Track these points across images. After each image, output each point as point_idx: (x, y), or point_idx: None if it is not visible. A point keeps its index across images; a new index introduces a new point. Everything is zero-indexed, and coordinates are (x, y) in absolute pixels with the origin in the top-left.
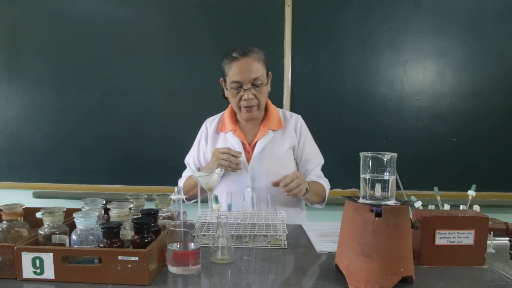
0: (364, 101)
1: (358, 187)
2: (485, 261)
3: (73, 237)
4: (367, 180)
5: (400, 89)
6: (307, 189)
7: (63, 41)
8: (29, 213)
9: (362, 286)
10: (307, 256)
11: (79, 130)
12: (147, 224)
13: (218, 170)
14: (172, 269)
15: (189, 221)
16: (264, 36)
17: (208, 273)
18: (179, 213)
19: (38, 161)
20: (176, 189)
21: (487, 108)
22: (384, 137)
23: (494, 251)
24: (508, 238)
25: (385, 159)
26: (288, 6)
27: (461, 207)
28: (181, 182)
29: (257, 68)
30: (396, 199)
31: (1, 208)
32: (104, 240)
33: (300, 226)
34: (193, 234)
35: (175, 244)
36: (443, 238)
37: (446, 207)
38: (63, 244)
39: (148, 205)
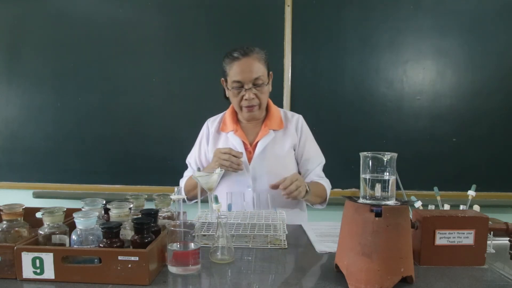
0: (364, 101)
1: (358, 187)
2: (485, 261)
3: (73, 237)
4: (367, 180)
5: (400, 89)
6: (307, 191)
7: (63, 41)
8: (29, 213)
9: (362, 286)
10: (307, 256)
11: (79, 130)
12: (147, 224)
13: (218, 170)
14: (172, 269)
15: (189, 221)
16: (264, 36)
17: (208, 273)
18: (179, 213)
19: (38, 161)
20: (176, 189)
21: (487, 108)
22: (384, 137)
23: (494, 251)
24: (508, 238)
25: (385, 159)
26: (288, 6)
27: (461, 207)
28: (182, 182)
29: (258, 68)
30: (396, 199)
31: (1, 208)
32: (104, 240)
33: (300, 226)
34: (193, 234)
35: (175, 244)
36: (443, 238)
37: (446, 207)
38: (63, 244)
39: (148, 205)
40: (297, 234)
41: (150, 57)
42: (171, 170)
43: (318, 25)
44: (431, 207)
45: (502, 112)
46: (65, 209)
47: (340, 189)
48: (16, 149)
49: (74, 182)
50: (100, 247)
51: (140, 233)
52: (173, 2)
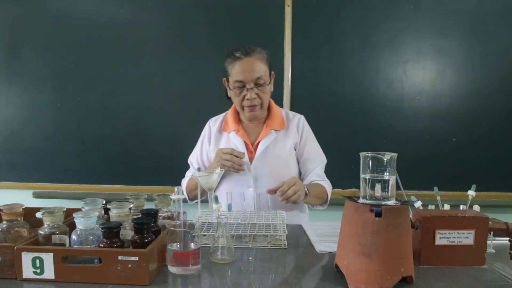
0: (364, 101)
1: (358, 187)
2: (485, 261)
3: (73, 237)
4: (367, 180)
5: (400, 89)
6: (306, 194)
7: (63, 41)
8: (29, 213)
9: (362, 286)
10: (307, 256)
11: (79, 130)
12: (147, 224)
13: (218, 170)
14: (172, 269)
15: (189, 221)
16: (264, 36)
17: (208, 273)
18: (179, 213)
19: (38, 161)
20: (176, 189)
21: (487, 108)
22: (384, 137)
23: (494, 251)
24: (508, 238)
25: (385, 159)
26: (288, 6)
27: (461, 207)
28: (184, 182)
29: (260, 68)
30: (396, 199)
31: (1, 208)
32: (104, 240)
33: (300, 226)
34: (193, 234)
35: (175, 244)
36: (443, 238)
37: (446, 207)
38: (63, 244)
39: (148, 205)
40: (297, 234)
41: (150, 57)
42: (171, 170)
43: (318, 25)
44: (431, 207)
45: (502, 112)
46: (65, 209)
47: (340, 189)
48: (16, 149)
49: (74, 182)
50: (100, 247)
51: (140, 233)
52: (173, 2)
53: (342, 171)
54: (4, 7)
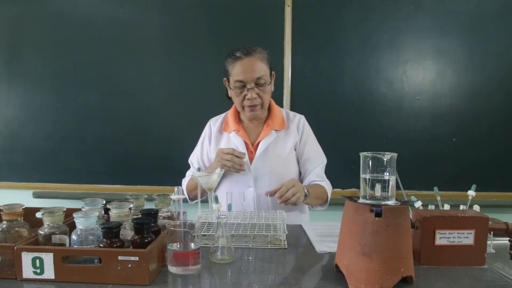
0: (364, 101)
1: (358, 187)
2: (485, 261)
3: (73, 237)
4: (367, 180)
5: (400, 89)
6: (306, 195)
7: (63, 41)
8: (29, 213)
9: (362, 286)
10: (307, 256)
11: (79, 130)
12: (147, 224)
13: (218, 170)
14: (172, 269)
15: (189, 221)
16: (264, 36)
17: (208, 273)
18: (179, 213)
19: (38, 161)
20: (176, 189)
21: (487, 108)
22: (384, 137)
23: (494, 251)
24: (508, 238)
25: (385, 159)
26: (288, 6)
27: (461, 207)
28: (184, 181)
29: (260, 67)
30: (396, 199)
31: (1, 208)
32: (104, 240)
33: (300, 226)
34: (193, 234)
35: (175, 244)
36: (443, 238)
37: (446, 207)
38: (63, 244)
39: (148, 205)
40: (297, 234)
41: (150, 57)
42: (171, 170)
43: (318, 25)
44: (431, 207)
45: (502, 112)
46: (65, 209)
47: (340, 189)
48: (16, 149)
49: (74, 182)
50: (100, 247)
51: (140, 233)
52: (173, 2)
53: (342, 171)
54: (4, 7)
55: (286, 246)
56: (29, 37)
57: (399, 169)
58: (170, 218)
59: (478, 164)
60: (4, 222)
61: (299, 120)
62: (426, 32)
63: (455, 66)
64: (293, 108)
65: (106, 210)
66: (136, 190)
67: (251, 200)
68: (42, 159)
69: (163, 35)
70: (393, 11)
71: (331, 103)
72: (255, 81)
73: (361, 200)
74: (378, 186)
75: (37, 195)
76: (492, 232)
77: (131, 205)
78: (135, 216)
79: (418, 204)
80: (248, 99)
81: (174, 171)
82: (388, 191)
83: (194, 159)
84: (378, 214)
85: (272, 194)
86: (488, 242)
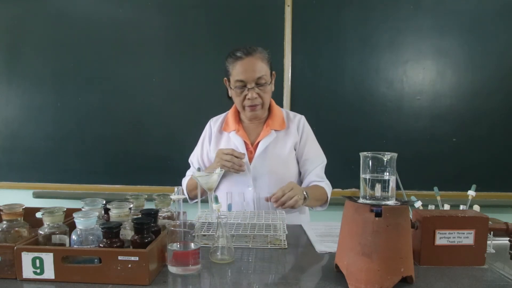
0: (364, 101)
1: (358, 187)
2: (485, 261)
3: (73, 237)
4: (367, 180)
5: (400, 89)
6: (305, 198)
7: (63, 41)
8: (29, 213)
9: (362, 286)
10: (307, 256)
11: (79, 130)
12: (147, 224)
13: (218, 170)
14: (172, 269)
15: (189, 221)
16: (264, 36)
17: (208, 273)
18: (179, 213)
19: (38, 161)
20: (176, 189)
21: (487, 108)
22: (384, 137)
23: (494, 251)
24: (508, 238)
25: (385, 159)
26: (288, 6)
27: (461, 207)
28: (184, 181)
29: (261, 67)
30: (396, 199)
31: (1, 208)
32: (104, 240)
33: (300, 226)
34: (193, 234)
35: (175, 244)
36: (443, 238)
37: (446, 207)
38: (63, 244)
39: (148, 205)
40: (297, 234)
41: (150, 57)
42: (171, 170)
43: (318, 25)
44: (431, 207)
45: (502, 112)
46: (65, 209)
47: (340, 189)
48: (16, 149)
49: (74, 182)
50: (100, 247)
51: (140, 233)
52: (173, 2)
53: (342, 171)
54: (4, 7)
55: (286, 246)
56: (29, 37)
57: (399, 169)
58: (170, 218)
59: (478, 164)
60: (4, 222)
61: (299, 120)
62: (426, 32)
63: (455, 66)
64: (293, 108)
65: (106, 210)
66: (136, 190)
67: (251, 200)
68: (42, 159)
69: (163, 35)
70: (393, 11)
71: (331, 103)
72: (255, 81)
73: (361, 200)
74: (378, 186)
75: (37, 195)
76: (492, 232)
77: (131, 205)
78: (135, 216)
79: (418, 204)
80: (248, 99)
81: (174, 171)
82: (388, 191)
83: (194, 159)
84: (378, 214)
85: (269, 200)
86: (488, 242)
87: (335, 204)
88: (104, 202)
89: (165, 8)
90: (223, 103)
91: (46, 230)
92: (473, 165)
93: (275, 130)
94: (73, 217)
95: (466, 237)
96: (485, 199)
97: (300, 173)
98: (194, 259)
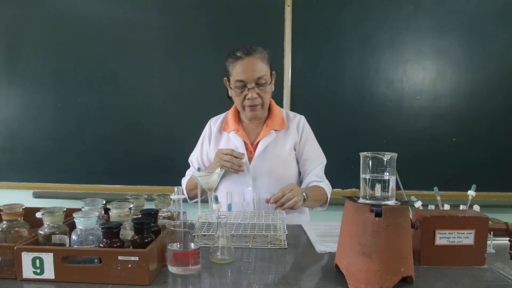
0: (364, 101)
1: (358, 187)
2: (485, 261)
3: (73, 237)
4: (367, 180)
5: (400, 89)
6: (305, 199)
7: (63, 41)
8: (29, 213)
9: (362, 286)
10: (307, 256)
11: (79, 130)
12: (147, 224)
13: (218, 170)
14: (172, 269)
15: (189, 221)
16: (264, 36)
17: (208, 273)
18: (179, 213)
19: (38, 161)
20: (176, 189)
21: (487, 108)
22: (384, 137)
23: (494, 251)
24: (508, 238)
25: (385, 159)
26: (288, 6)
27: (461, 207)
28: (184, 181)
29: (261, 67)
30: (396, 199)
31: (1, 208)
32: (104, 240)
33: (300, 226)
34: (193, 234)
35: (175, 244)
36: (443, 238)
37: (446, 207)
38: (63, 244)
39: (148, 205)
40: (297, 234)
41: (150, 57)
42: (171, 170)
43: (318, 25)
44: (431, 207)
45: (502, 112)
46: (65, 209)
47: (340, 189)
48: (16, 149)
49: (74, 182)
50: (100, 247)
51: (140, 233)
52: (173, 2)
53: (342, 171)
54: (4, 7)
55: (286, 246)
56: (29, 37)
57: (399, 169)
58: (170, 218)
59: (478, 164)
60: (4, 222)
61: (299, 120)
62: (426, 32)
63: (455, 66)
64: (293, 108)
65: (106, 210)
66: (136, 190)
67: (250, 200)
68: (42, 159)
69: (163, 35)
70: (393, 11)
71: (331, 103)
72: (255, 81)
73: (361, 200)
74: (378, 186)
75: (37, 195)
76: (492, 232)
77: (131, 205)
78: (135, 216)
79: (418, 204)
80: (248, 99)
81: (174, 171)
82: (388, 191)
83: (194, 158)
84: (378, 214)
85: (269, 201)
86: (488, 242)
87: (335, 204)
88: (104, 202)
89: (165, 8)
90: (223, 103)
91: (46, 230)
92: (473, 165)
93: (275, 130)
94: (73, 217)
95: (466, 237)
96: (485, 199)
97: (299, 173)
98: (194, 259)
